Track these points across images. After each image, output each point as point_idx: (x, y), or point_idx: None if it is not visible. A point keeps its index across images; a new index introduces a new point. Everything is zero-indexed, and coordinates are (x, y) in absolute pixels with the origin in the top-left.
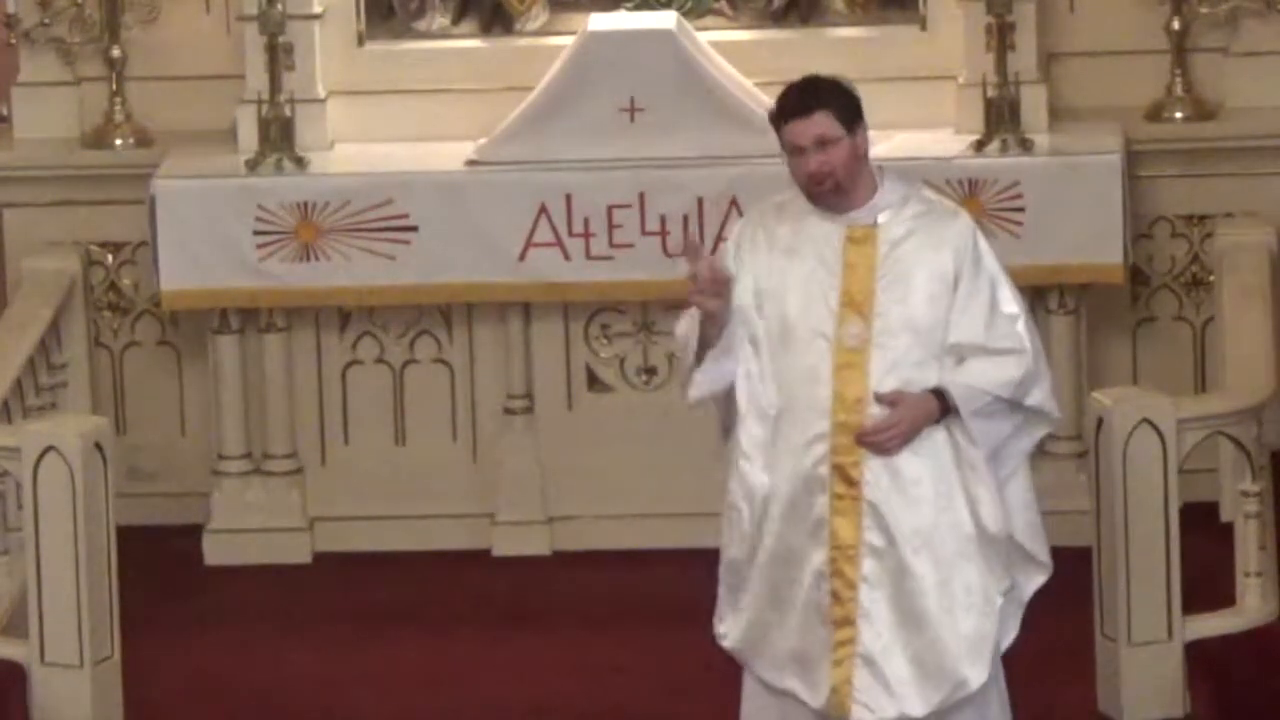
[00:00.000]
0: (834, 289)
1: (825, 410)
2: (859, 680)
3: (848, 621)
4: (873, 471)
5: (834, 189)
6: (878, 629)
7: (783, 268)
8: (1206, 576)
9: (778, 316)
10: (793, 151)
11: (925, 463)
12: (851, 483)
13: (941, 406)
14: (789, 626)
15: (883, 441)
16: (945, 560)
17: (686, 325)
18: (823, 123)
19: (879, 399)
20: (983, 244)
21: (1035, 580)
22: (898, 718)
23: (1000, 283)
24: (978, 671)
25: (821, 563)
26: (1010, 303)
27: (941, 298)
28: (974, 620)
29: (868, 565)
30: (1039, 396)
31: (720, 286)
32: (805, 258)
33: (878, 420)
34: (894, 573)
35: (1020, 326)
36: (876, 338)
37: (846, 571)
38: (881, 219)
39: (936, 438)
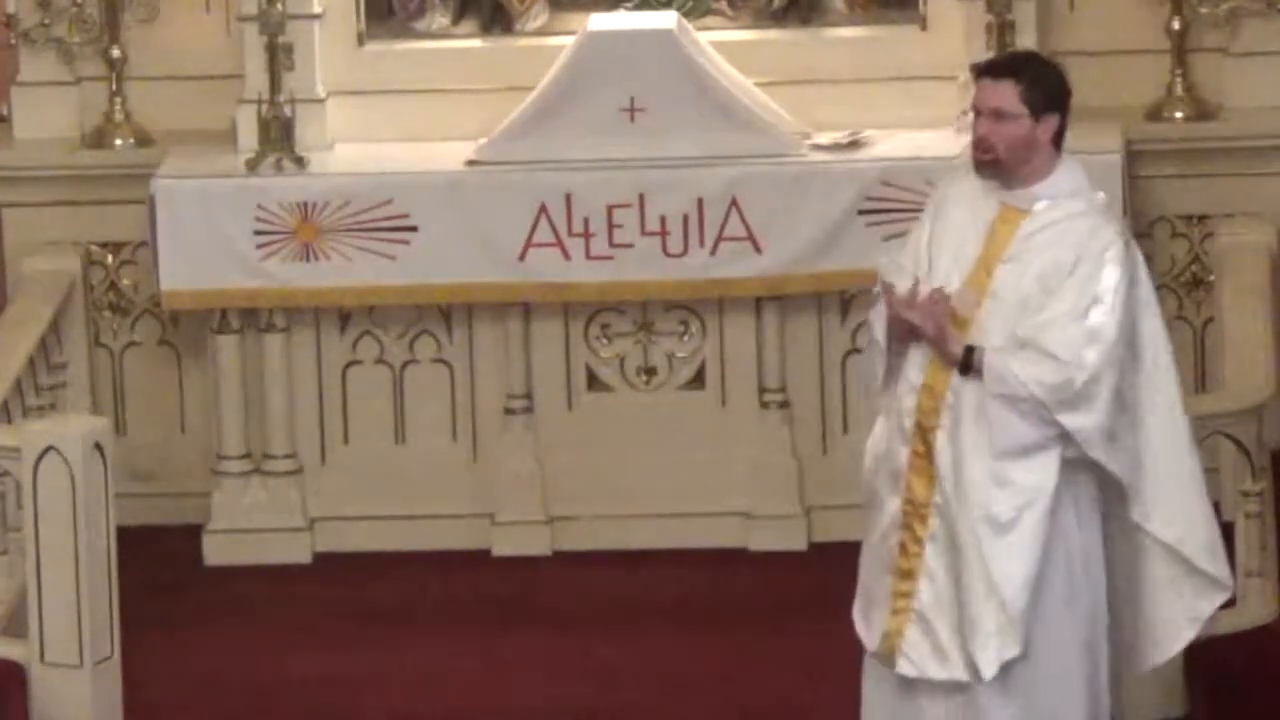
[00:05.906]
0: (970, 258)
1: (922, 367)
2: (910, 635)
3: (910, 575)
4: (941, 441)
5: (993, 162)
6: (937, 588)
7: (946, 224)
8: None
9: (929, 266)
10: (974, 111)
11: (980, 442)
12: (927, 445)
13: (964, 364)
14: (866, 563)
15: (925, 307)
16: (979, 541)
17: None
18: (1006, 95)
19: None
20: (1119, 265)
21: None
22: (945, 680)
23: (1104, 306)
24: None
25: (895, 512)
26: (1101, 326)
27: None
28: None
29: (935, 524)
30: (1080, 422)
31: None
32: (962, 223)
33: (930, 295)
34: (954, 539)
35: (1091, 351)
36: (983, 310)
37: (915, 527)
38: (1038, 207)
39: (981, 423)
